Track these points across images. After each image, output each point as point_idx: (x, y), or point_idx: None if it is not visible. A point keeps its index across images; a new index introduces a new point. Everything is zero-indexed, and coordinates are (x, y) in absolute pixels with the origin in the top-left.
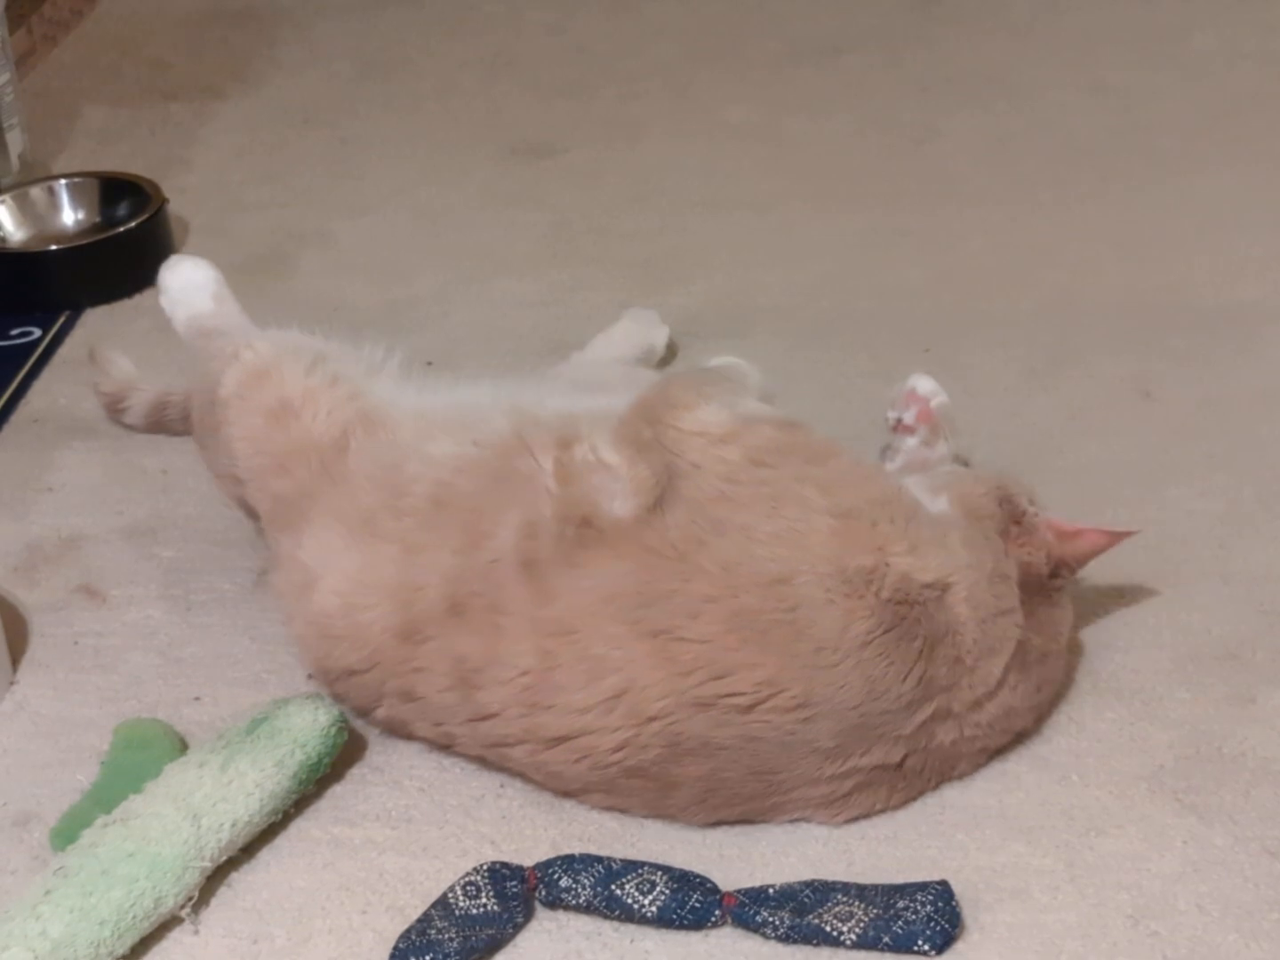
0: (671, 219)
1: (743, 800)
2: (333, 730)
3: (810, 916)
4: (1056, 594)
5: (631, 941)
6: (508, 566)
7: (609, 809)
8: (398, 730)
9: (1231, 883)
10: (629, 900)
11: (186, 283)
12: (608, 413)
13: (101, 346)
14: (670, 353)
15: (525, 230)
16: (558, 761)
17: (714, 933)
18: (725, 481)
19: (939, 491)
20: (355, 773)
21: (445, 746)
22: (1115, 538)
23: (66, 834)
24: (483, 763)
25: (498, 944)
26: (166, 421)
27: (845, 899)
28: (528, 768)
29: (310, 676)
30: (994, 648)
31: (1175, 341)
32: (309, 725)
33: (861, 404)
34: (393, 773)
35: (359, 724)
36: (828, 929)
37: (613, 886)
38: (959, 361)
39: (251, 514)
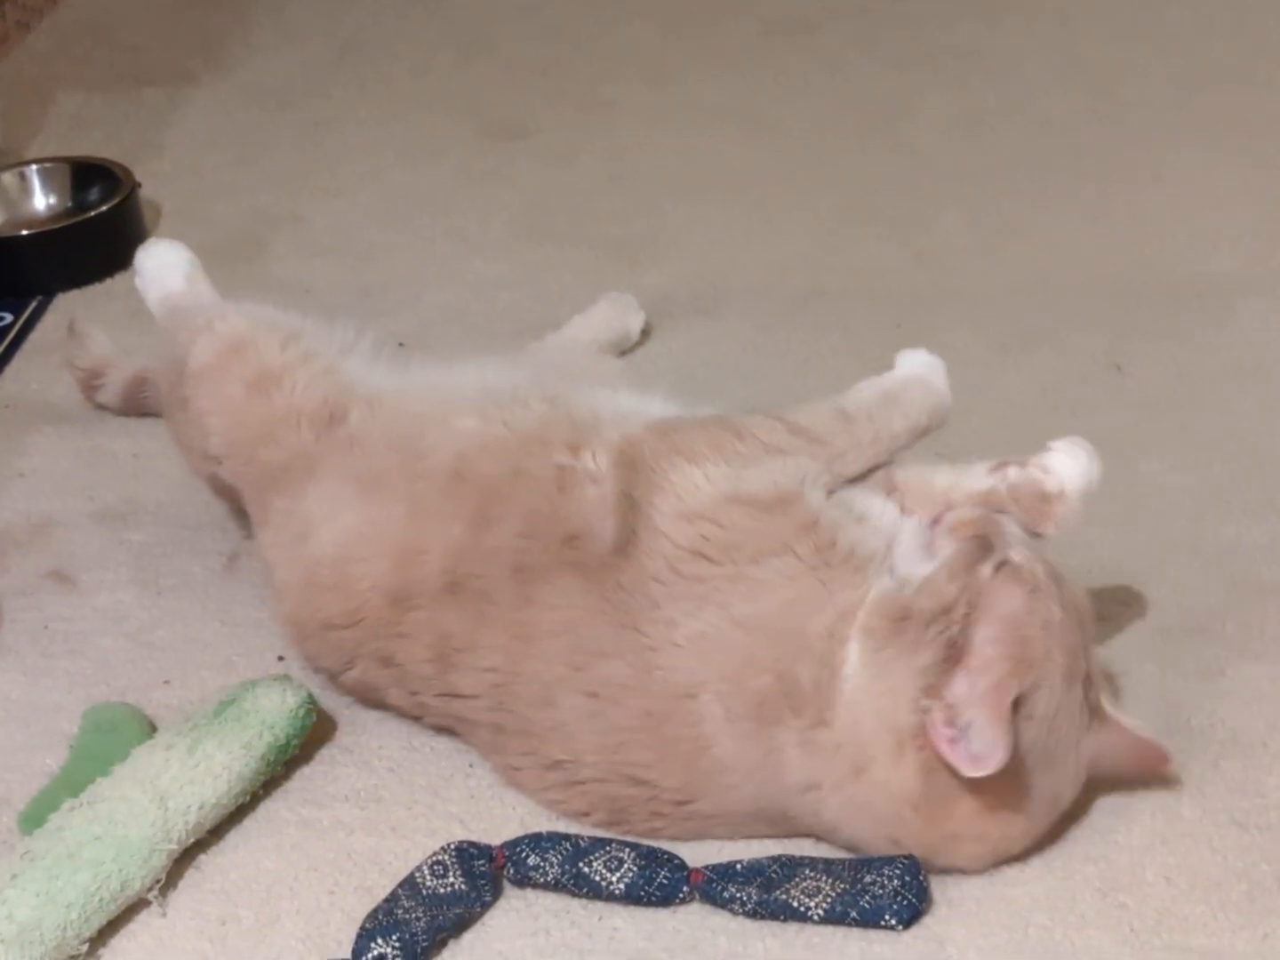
0: (645, 199)
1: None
2: (301, 712)
3: (778, 892)
4: None
5: (600, 919)
6: (504, 558)
7: None
8: (368, 695)
9: (1199, 854)
10: (597, 878)
11: (160, 263)
12: (632, 416)
13: (81, 321)
14: (644, 335)
15: (499, 211)
16: (515, 753)
17: (682, 909)
18: (666, 567)
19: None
20: (324, 754)
21: (416, 716)
22: None
23: (34, 818)
24: (452, 734)
25: (465, 923)
26: (142, 400)
27: (813, 874)
28: (489, 750)
29: (281, 658)
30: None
31: (1147, 316)
32: (277, 707)
33: (832, 382)
34: (361, 753)
35: (327, 704)
36: (795, 904)
37: (580, 864)
38: (931, 338)
39: (221, 491)
